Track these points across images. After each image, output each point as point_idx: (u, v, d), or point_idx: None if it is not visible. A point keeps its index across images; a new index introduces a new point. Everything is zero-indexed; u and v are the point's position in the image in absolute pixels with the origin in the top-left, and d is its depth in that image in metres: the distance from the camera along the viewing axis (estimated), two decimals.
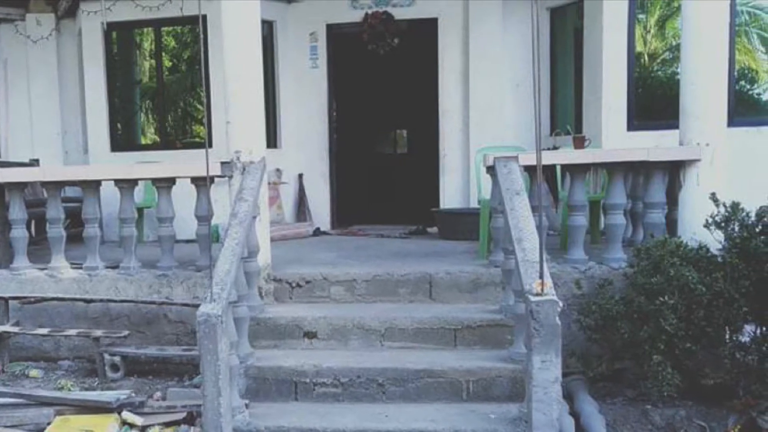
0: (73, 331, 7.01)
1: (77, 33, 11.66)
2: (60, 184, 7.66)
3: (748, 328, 5.81)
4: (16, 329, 7.14)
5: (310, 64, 11.66)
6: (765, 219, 5.81)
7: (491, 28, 10.88)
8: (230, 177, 6.76)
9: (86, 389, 6.44)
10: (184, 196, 7.44)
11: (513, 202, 5.71)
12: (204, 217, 7.08)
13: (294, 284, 6.99)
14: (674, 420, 5.53)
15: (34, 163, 10.60)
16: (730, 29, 7.08)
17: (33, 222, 9.18)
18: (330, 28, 11.62)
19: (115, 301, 7.19)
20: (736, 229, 5.85)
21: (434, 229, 10.51)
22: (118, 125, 11.97)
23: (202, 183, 6.94)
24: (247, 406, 5.48)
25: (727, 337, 5.77)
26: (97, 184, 7.46)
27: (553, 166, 7.88)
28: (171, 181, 7.33)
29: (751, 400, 5.43)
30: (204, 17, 9.79)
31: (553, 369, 4.76)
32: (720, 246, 5.92)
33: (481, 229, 7.74)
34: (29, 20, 11.78)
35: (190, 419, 5.66)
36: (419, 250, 8.68)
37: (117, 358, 6.71)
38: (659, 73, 10.41)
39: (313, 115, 11.75)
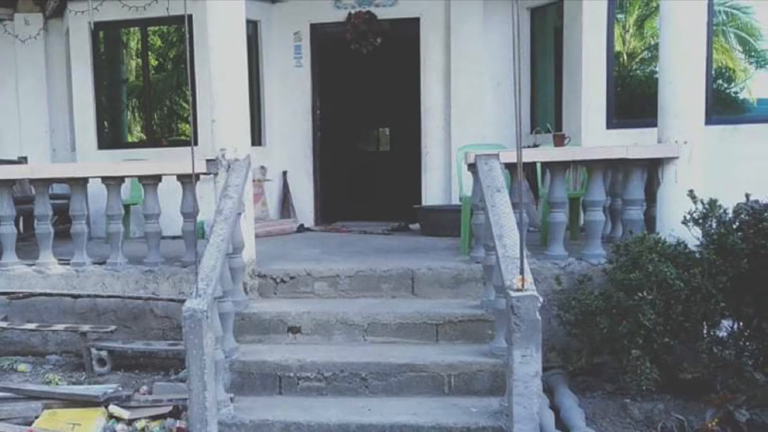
0: (60, 326, 7.04)
1: (65, 32, 11.64)
2: (48, 182, 7.70)
3: (726, 323, 5.88)
4: (4, 324, 7.18)
5: (295, 63, 11.69)
6: (742, 216, 5.87)
7: (472, 27, 10.91)
8: (215, 174, 6.80)
9: (73, 383, 6.48)
10: (170, 193, 7.52)
11: (494, 199, 5.79)
12: (190, 213, 7.10)
13: (278, 280, 7.06)
14: (653, 413, 5.55)
15: (22, 160, 10.58)
16: (708, 29, 7.12)
17: (21, 218, 9.20)
18: (314, 27, 11.64)
19: (102, 297, 7.24)
20: (714, 225, 5.91)
21: (416, 226, 10.54)
22: (105, 123, 11.96)
23: (187, 180, 6.97)
24: (232, 399, 5.56)
25: (705, 332, 5.84)
26: (84, 181, 7.50)
27: (534, 164, 7.95)
28: (157, 179, 7.38)
29: (729, 394, 5.46)
30: (190, 17, 9.93)
31: (534, 363, 4.83)
32: (698, 242, 5.98)
33: (462, 226, 7.81)
34: (17, 20, 11.76)
35: (176, 413, 5.71)
36: (402, 247, 8.74)
37: (104, 353, 6.74)
38: (638, 71, 10.45)
39: (298, 114, 11.77)
